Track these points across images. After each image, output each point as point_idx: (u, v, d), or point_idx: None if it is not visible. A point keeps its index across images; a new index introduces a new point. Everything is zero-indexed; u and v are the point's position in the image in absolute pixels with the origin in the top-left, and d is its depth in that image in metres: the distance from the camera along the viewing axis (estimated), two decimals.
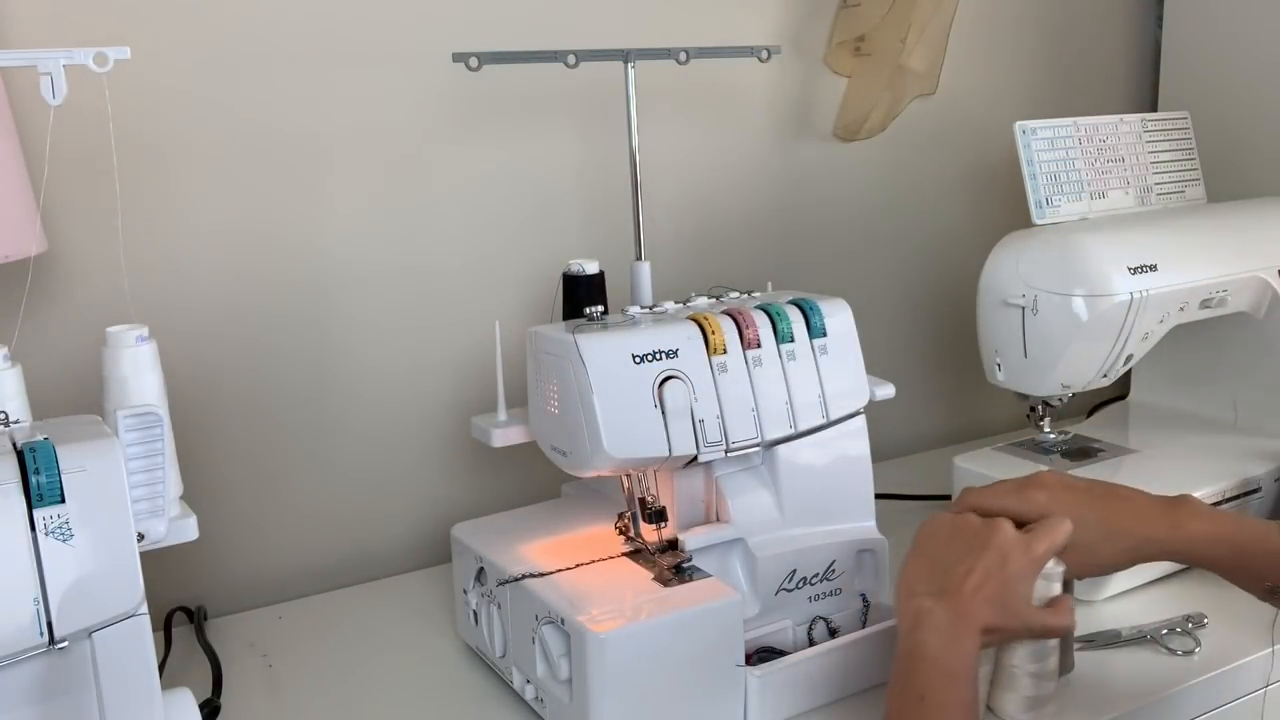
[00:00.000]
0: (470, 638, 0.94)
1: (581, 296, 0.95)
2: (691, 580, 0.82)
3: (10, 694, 0.63)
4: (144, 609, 0.65)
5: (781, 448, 0.88)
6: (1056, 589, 0.78)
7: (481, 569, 0.89)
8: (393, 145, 1.09)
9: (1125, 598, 1.00)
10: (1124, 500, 0.81)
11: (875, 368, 0.92)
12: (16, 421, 0.70)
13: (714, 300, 0.92)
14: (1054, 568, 0.77)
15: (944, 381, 1.47)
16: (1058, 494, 0.80)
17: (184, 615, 1.02)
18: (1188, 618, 0.94)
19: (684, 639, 0.77)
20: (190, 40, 0.98)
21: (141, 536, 0.69)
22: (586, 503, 0.98)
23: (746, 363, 0.85)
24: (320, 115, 1.04)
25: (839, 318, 0.89)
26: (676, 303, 0.90)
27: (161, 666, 0.91)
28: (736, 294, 0.95)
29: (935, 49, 1.26)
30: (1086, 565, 0.80)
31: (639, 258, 0.99)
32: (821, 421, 0.87)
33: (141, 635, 0.65)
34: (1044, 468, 1.08)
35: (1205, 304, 1.08)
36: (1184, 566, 1.04)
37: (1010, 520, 0.76)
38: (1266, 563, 0.78)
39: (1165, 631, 0.92)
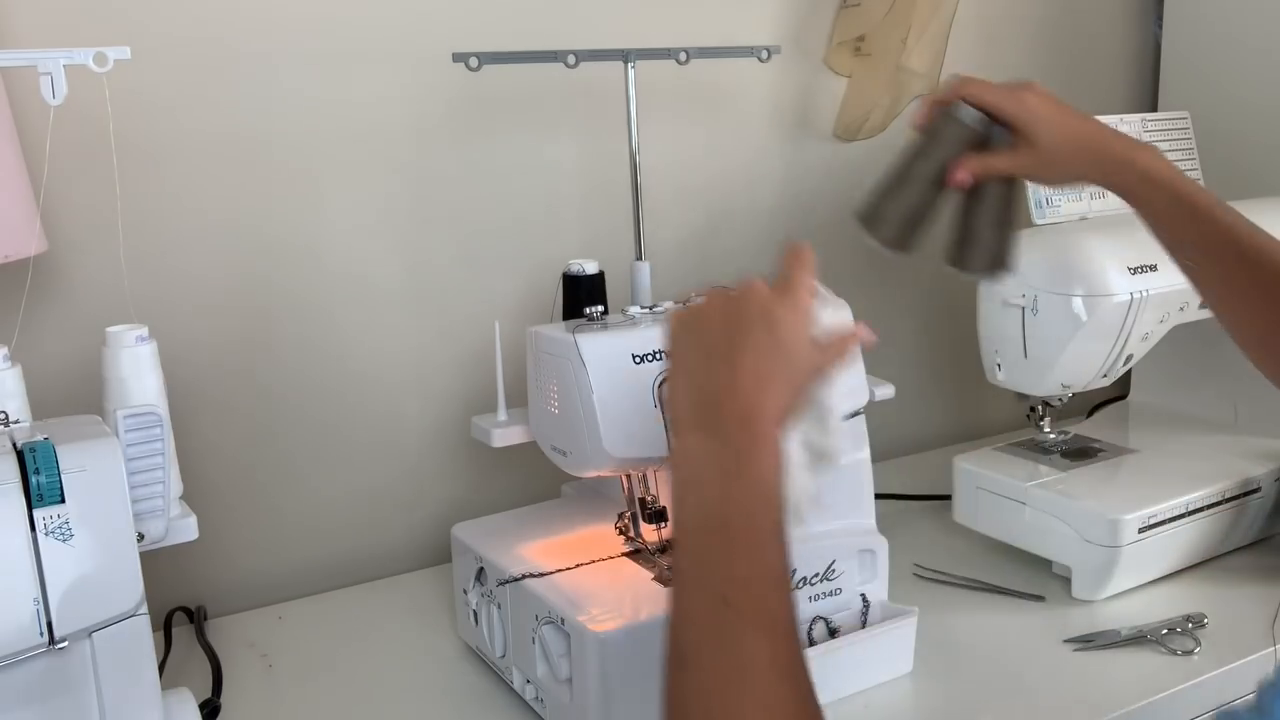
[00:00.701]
0: (470, 638, 0.94)
1: (581, 296, 0.95)
2: None
3: (10, 694, 0.63)
4: (144, 609, 0.65)
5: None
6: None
7: (481, 569, 0.89)
8: (393, 145, 1.09)
9: (1125, 597, 1.00)
10: (1099, 123, 0.86)
11: (875, 368, 0.92)
12: (16, 421, 0.70)
13: None
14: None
15: (944, 381, 1.47)
16: (1045, 100, 0.85)
17: (184, 615, 1.02)
18: (1188, 618, 0.94)
19: None
20: (190, 40, 0.98)
21: (141, 536, 0.69)
22: (586, 503, 0.98)
23: None
24: (320, 115, 1.04)
25: (839, 318, 0.89)
26: (676, 303, 0.90)
27: (161, 666, 0.91)
28: None
29: (935, 49, 1.26)
30: (1050, 171, 0.84)
31: (639, 258, 0.99)
32: None
33: (141, 635, 0.65)
34: (1044, 468, 1.08)
35: (1205, 304, 1.07)
36: (1184, 568, 1.04)
37: (761, 282, 0.64)
38: (1197, 225, 0.81)
39: (1165, 631, 0.92)
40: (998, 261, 0.85)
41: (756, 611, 0.53)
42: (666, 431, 0.64)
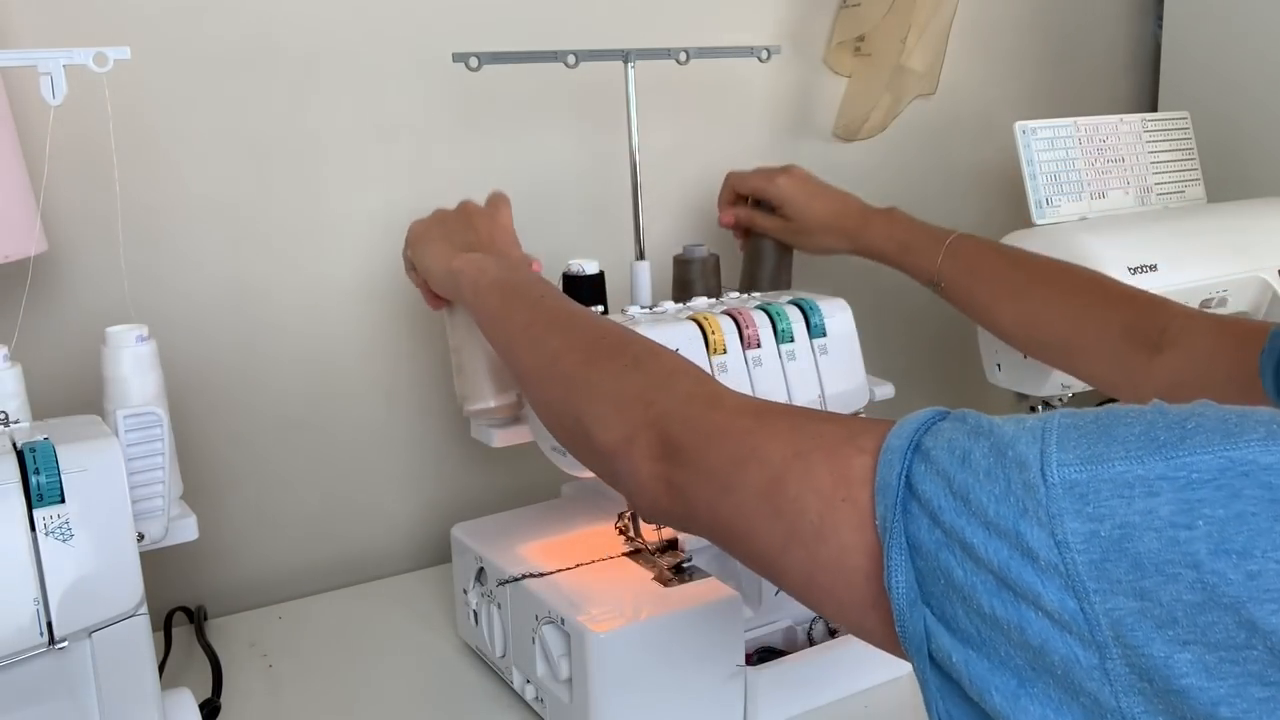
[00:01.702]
0: (470, 638, 0.94)
1: (582, 296, 0.95)
2: (691, 580, 0.82)
3: (10, 694, 0.63)
4: (144, 609, 0.65)
5: None
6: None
7: (481, 569, 0.89)
8: (392, 145, 1.09)
9: None
10: (841, 202, 1.03)
11: (875, 368, 0.92)
12: (16, 421, 0.70)
13: (714, 300, 0.92)
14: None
15: (944, 381, 1.47)
16: (796, 181, 1.03)
17: (184, 615, 1.02)
18: None
19: (684, 639, 0.77)
20: (190, 40, 0.98)
21: (141, 536, 0.69)
22: (586, 503, 0.98)
23: (746, 363, 0.85)
24: (320, 115, 1.04)
25: (839, 318, 0.89)
26: (676, 303, 0.90)
27: (161, 666, 0.91)
28: (736, 294, 0.95)
29: (935, 49, 1.26)
30: (800, 242, 1.06)
31: (639, 258, 0.99)
32: None
33: (141, 635, 0.65)
34: None
35: (1205, 304, 1.08)
36: None
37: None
38: (921, 259, 0.98)
39: None
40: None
41: (562, 299, 0.74)
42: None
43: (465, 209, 0.87)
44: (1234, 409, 0.39)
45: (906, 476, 0.44)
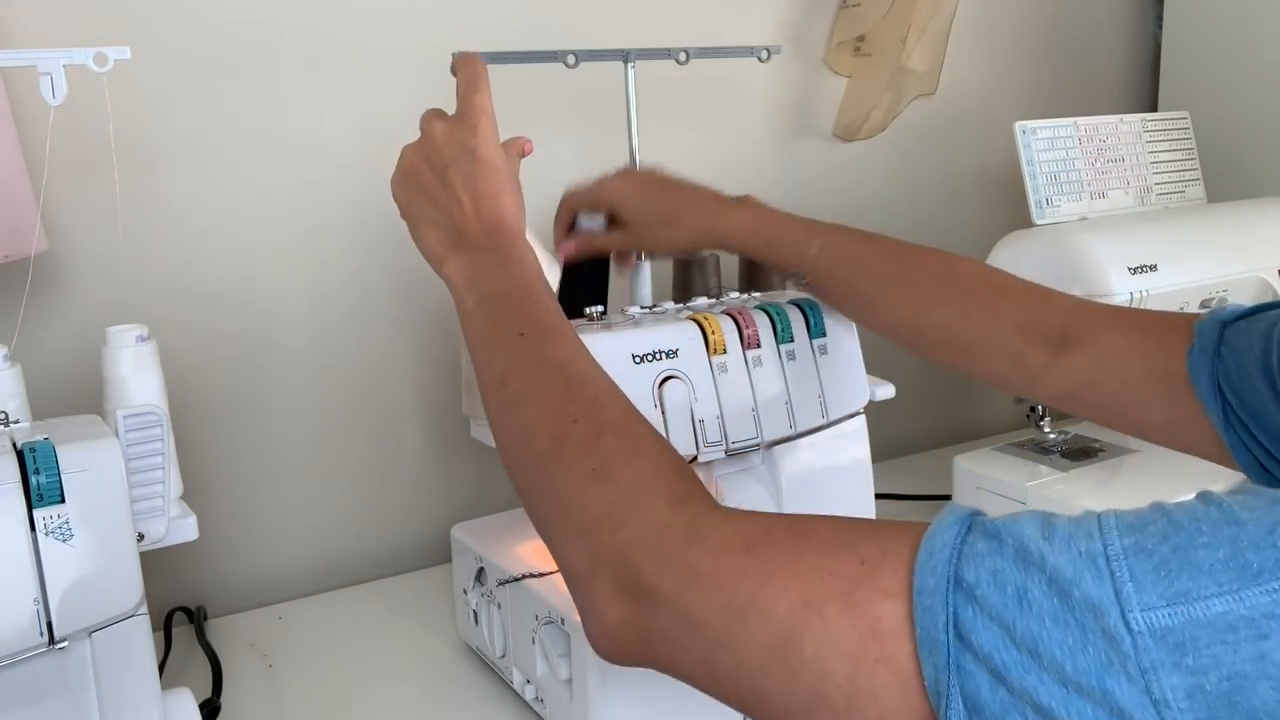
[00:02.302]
0: (470, 638, 0.94)
1: (578, 293, 0.95)
2: None
3: (10, 694, 0.63)
4: (144, 609, 0.65)
5: (781, 448, 0.88)
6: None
7: (481, 569, 0.89)
8: (393, 145, 1.08)
9: None
10: (688, 193, 0.90)
11: (875, 368, 0.92)
12: (16, 421, 0.70)
13: (714, 300, 0.92)
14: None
15: (944, 381, 1.47)
16: (631, 180, 0.91)
17: (184, 615, 1.02)
18: None
19: None
20: (190, 40, 0.98)
21: (141, 536, 0.69)
22: None
23: (746, 363, 0.85)
24: (319, 115, 1.04)
25: (839, 317, 0.89)
26: (676, 303, 0.90)
27: (161, 666, 0.91)
28: (736, 294, 0.95)
29: (935, 49, 1.26)
30: (646, 244, 0.91)
31: (639, 258, 0.99)
32: (821, 422, 0.87)
33: (141, 635, 0.65)
34: (1044, 468, 1.08)
35: (1205, 304, 1.07)
36: None
37: (438, 121, 0.73)
38: (790, 251, 0.87)
39: None
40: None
41: (559, 335, 0.62)
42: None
43: (440, 162, 0.71)
44: None
45: (955, 626, 0.37)
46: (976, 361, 0.79)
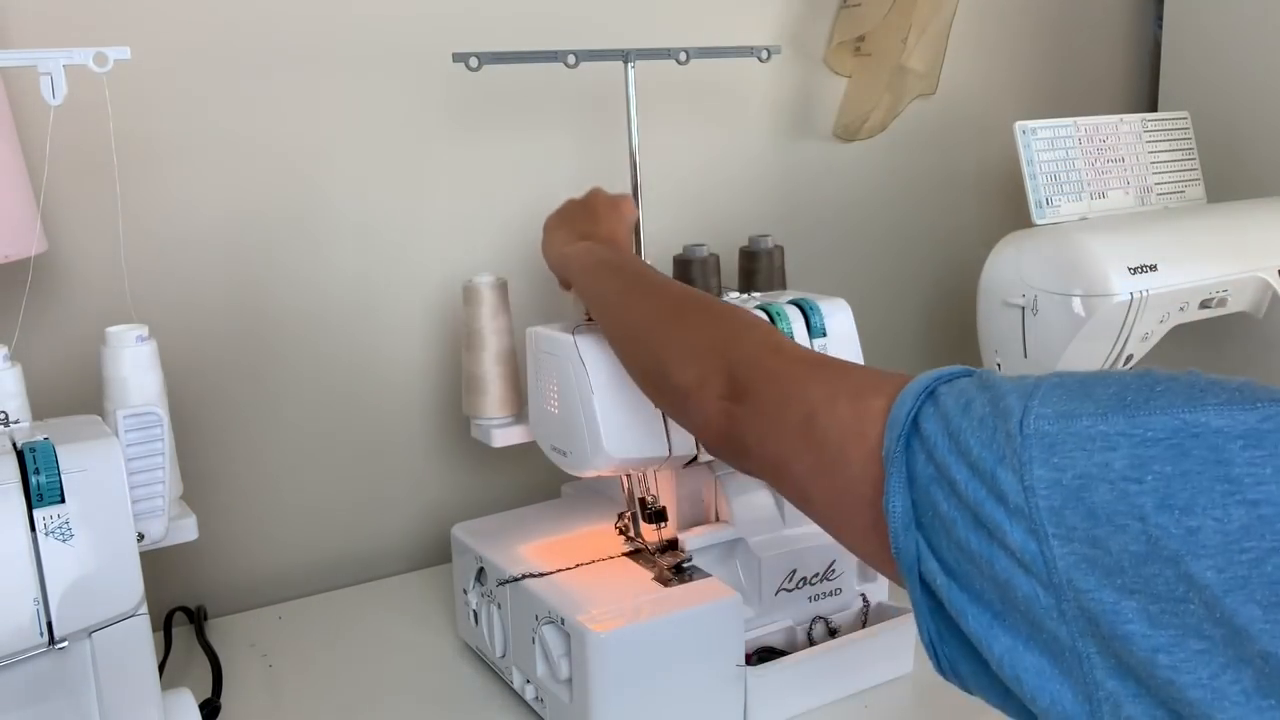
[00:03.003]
0: (470, 638, 0.94)
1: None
2: (691, 580, 0.82)
3: (10, 694, 0.63)
4: (144, 609, 0.65)
5: None
6: None
7: (481, 569, 0.89)
8: (392, 145, 1.09)
9: None
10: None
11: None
12: (16, 421, 0.70)
13: None
14: None
15: None
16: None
17: (184, 615, 1.02)
18: None
19: (684, 639, 0.77)
20: (190, 40, 0.98)
21: (141, 536, 0.69)
22: (586, 503, 0.98)
23: None
24: (320, 115, 1.04)
25: (839, 318, 0.89)
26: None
27: (161, 666, 0.91)
28: (736, 294, 0.95)
29: (935, 49, 1.26)
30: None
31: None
32: None
33: (141, 635, 0.65)
34: None
35: (1205, 304, 1.08)
36: None
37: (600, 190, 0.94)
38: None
39: None
40: None
41: (650, 275, 0.78)
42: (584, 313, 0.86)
43: (592, 200, 0.92)
44: (1211, 377, 0.41)
45: (915, 417, 0.48)
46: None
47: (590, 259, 0.83)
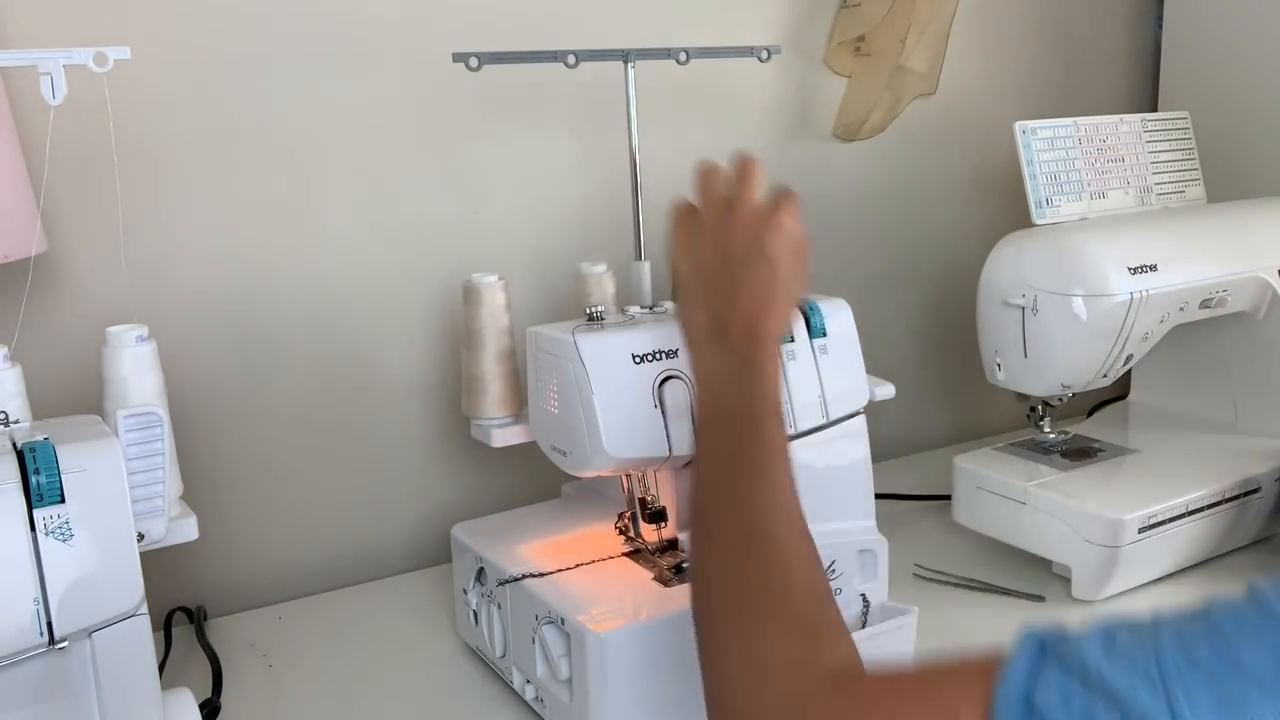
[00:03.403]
0: (470, 638, 0.94)
1: None
2: None
3: (10, 694, 0.63)
4: (144, 609, 0.65)
5: None
6: None
7: (481, 569, 0.89)
8: (392, 145, 1.09)
9: (1125, 598, 1.00)
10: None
11: (875, 368, 0.92)
12: (16, 421, 0.70)
13: None
14: None
15: (944, 381, 1.47)
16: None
17: (184, 615, 1.02)
18: None
19: (684, 639, 0.77)
20: (190, 40, 0.98)
21: (141, 536, 0.69)
22: (586, 503, 0.98)
23: None
24: (320, 115, 1.04)
25: (839, 318, 0.89)
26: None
27: (161, 666, 0.91)
28: None
29: (935, 49, 1.26)
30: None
31: (639, 258, 0.99)
32: (821, 422, 0.87)
33: (141, 635, 0.65)
34: (1044, 468, 1.08)
35: (1205, 304, 1.08)
36: (1184, 568, 1.05)
37: (749, 208, 0.73)
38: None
39: None
40: None
41: (763, 476, 0.63)
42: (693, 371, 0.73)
43: (731, 249, 0.71)
44: None
45: None
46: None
47: (708, 405, 0.68)
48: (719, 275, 0.72)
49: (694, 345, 0.72)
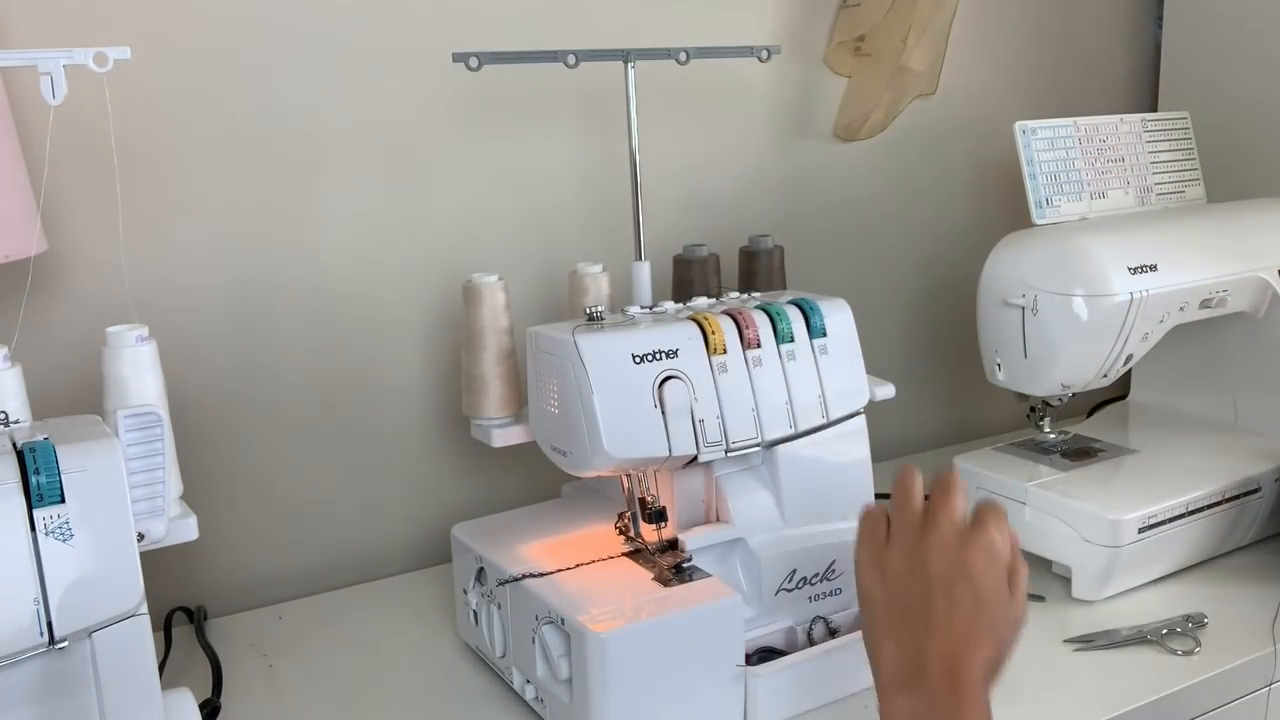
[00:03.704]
0: (470, 638, 0.94)
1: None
2: (691, 580, 0.82)
3: (10, 694, 0.63)
4: (144, 609, 0.65)
5: (781, 448, 0.88)
6: None
7: (481, 569, 0.89)
8: (393, 145, 1.09)
9: (1125, 597, 1.00)
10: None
11: (875, 368, 0.92)
12: (16, 421, 0.70)
13: (714, 300, 0.92)
14: None
15: (944, 381, 1.47)
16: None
17: (184, 615, 1.02)
18: (1188, 618, 0.94)
19: (684, 639, 0.77)
20: (190, 40, 0.98)
21: (141, 536, 0.69)
22: (586, 503, 0.98)
23: (746, 363, 0.85)
24: (320, 115, 1.04)
25: (839, 318, 0.89)
26: (676, 303, 0.90)
27: (161, 666, 0.91)
28: (736, 294, 0.95)
29: (935, 49, 1.26)
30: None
31: (639, 258, 0.99)
32: (821, 422, 0.87)
33: (141, 635, 0.65)
34: (1044, 468, 1.08)
35: (1205, 304, 1.08)
36: (1184, 568, 1.04)
37: (950, 524, 0.64)
38: None
39: (1165, 631, 0.92)
40: None
41: None
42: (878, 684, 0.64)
43: (934, 577, 0.63)
44: None
45: None
46: None
47: None
48: (913, 600, 0.63)
49: (884, 689, 0.63)
